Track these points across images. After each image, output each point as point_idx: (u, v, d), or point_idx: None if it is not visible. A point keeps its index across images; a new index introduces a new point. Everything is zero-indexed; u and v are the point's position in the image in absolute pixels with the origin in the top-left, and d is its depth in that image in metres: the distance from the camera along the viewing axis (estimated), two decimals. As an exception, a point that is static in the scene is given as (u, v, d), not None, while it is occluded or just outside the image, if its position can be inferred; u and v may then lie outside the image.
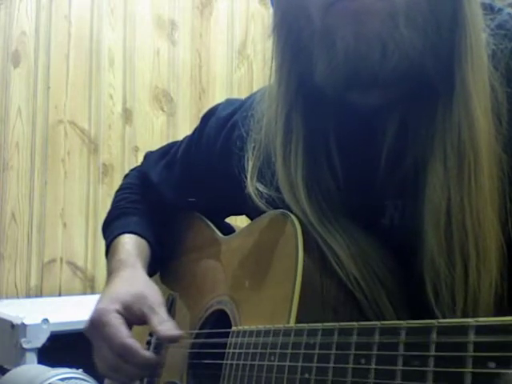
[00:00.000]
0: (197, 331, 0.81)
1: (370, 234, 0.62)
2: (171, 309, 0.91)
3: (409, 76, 0.58)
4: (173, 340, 0.75)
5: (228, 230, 0.89)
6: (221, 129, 0.83)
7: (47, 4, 1.94)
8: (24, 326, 1.35)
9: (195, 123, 0.93)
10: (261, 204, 0.69)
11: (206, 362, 0.75)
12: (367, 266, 0.60)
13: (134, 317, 0.77)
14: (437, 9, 0.57)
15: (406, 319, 0.45)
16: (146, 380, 0.88)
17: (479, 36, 0.57)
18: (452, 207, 0.55)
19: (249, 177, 0.71)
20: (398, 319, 0.55)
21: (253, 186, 0.70)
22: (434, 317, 0.54)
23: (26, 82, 1.90)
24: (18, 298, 1.85)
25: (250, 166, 0.72)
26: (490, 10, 0.62)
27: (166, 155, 0.96)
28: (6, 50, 1.87)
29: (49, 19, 1.94)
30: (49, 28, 1.94)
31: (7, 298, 1.83)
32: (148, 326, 0.78)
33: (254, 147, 0.73)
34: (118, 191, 1.03)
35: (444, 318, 0.54)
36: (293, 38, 0.63)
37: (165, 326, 0.75)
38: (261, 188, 0.69)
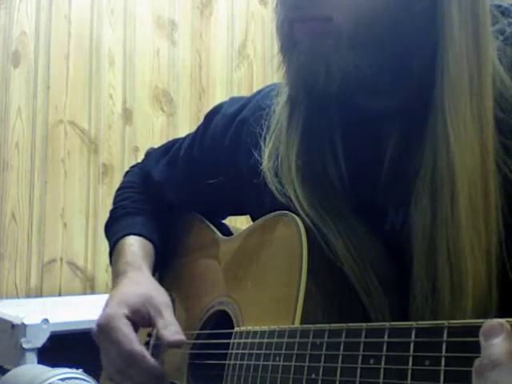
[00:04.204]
0: (197, 332, 0.80)
1: (372, 236, 0.62)
2: (171, 309, 0.91)
3: (375, 92, 0.60)
4: (175, 345, 0.76)
5: (226, 231, 0.89)
6: (228, 126, 0.82)
7: (47, 4, 1.94)
8: (24, 325, 1.35)
9: (195, 123, 0.92)
10: (280, 197, 0.67)
11: (207, 362, 0.75)
12: (368, 266, 0.60)
13: (142, 320, 0.78)
14: (402, 29, 0.57)
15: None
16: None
17: (465, 55, 0.55)
18: (436, 230, 0.55)
19: (268, 173, 0.70)
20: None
21: (273, 184, 0.68)
22: None
23: (26, 82, 1.90)
24: (17, 298, 1.85)
25: (265, 160, 0.71)
26: (506, 14, 0.61)
27: (168, 153, 0.95)
28: (5, 50, 1.86)
29: (49, 19, 1.94)
30: (49, 28, 1.94)
31: (7, 298, 1.83)
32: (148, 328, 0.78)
33: (269, 143, 0.72)
34: (119, 189, 1.02)
35: None
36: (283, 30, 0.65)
37: (169, 330, 0.75)
38: (278, 185, 0.68)
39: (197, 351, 0.80)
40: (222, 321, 0.75)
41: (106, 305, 0.79)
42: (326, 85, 0.58)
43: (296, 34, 0.60)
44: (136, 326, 0.78)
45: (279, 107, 0.70)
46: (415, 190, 0.58)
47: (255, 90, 0.86)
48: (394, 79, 0.60)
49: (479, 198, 0.54)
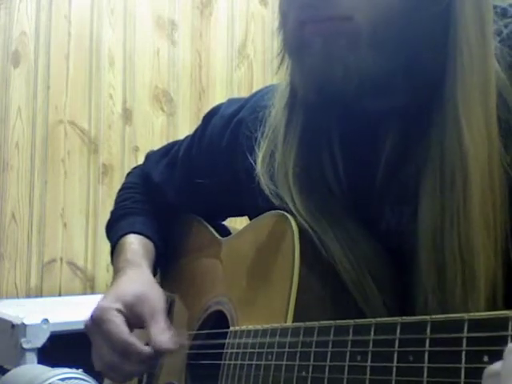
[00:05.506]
0: (195, 332, 0.81)
1: (371, 238, 0.62)
2: (170, 310, 0.91)
3: (387, 92, 0.60)
4: (166, 352, 0.75)
5: (225, 231, 0.90)
6: (226, 127, 0.82)
7: (47, 4, 1.94)
8: (24, 325, 1.35)
9: (195, 123, 0.93)
10: (275, 201, 0.67)
11: (204, 362, 0.75)
12: (364, 268, 0.60)
13: (135, 318, 0.77)
14: (418, 29, 0.57)
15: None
16: (145, 380, 0.88)
17: (475, 55, 0.56)
18: (445, 224, 0.55)
19: (261, 177, 0.69)
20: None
21: (267, 188, 0.68)
22: None
23: (26, 82, 1.90)
24: (17, 298, 1.85)
25: (259, 164, 0.70)
26: (502, 15, 0.61)
27: (168, 155, 0.96)
28: (5, 50, 1.87)
29: (49, 19, 1.94)
30: (49, 28, 1.94)
31: (7, 298, 1.83)
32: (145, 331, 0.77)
33: (263, 146, 0.72)
34: (120, 190, 1.03)
35: None
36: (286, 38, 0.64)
37: (161, 337, 0.75)
38: (273, 187, 0.68)
39: (195, 351, 0.80)
40: (220, 320, 0.75)
41: (102, 299, 0.79)
42: (343, 85, 0.57)
43: (306, 35, 0.58)
44: (129, 323, 0.77)
45: (275, 111, 0.70)
46: (421, 186, 0.58)
47: (255, 90, 0.86)
48: (408, 79, 0.59)
49: (489, 192, 0.54)
